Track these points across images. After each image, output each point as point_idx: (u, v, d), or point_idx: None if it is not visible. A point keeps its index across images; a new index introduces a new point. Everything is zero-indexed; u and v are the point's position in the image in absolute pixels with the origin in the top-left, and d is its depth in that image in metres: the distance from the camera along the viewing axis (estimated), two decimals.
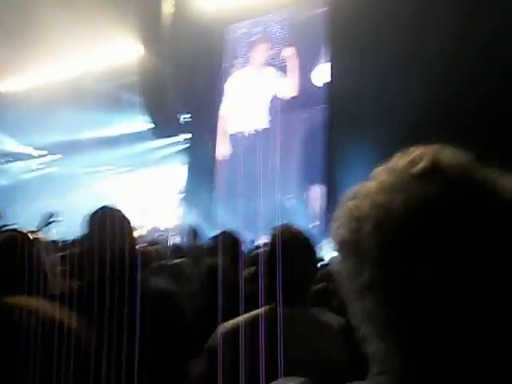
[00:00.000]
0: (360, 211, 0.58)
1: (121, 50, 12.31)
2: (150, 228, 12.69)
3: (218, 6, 10.72)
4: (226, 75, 10.91)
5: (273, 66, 10.14)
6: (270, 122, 9.90)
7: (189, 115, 11.40)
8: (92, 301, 1.50)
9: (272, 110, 9.88)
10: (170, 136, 11.97)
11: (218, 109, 10.81)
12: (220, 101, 10.82)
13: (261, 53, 10.24)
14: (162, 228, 12.76)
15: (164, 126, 11.54)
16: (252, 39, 10.54)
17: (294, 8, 10.06)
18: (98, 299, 1.51)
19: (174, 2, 11.07)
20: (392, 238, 0.54)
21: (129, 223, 1.85)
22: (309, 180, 9.31)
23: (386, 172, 0.60)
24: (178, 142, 11.98)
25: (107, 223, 1.74)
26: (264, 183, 9.46)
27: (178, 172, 11.74)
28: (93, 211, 1.86)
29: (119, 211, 1.86)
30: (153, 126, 11.61)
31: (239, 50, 10.77)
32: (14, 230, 2.13)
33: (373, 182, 0.60)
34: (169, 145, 12.20)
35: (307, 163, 9.33)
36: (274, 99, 9.92)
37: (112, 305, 1.49)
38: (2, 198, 12.97)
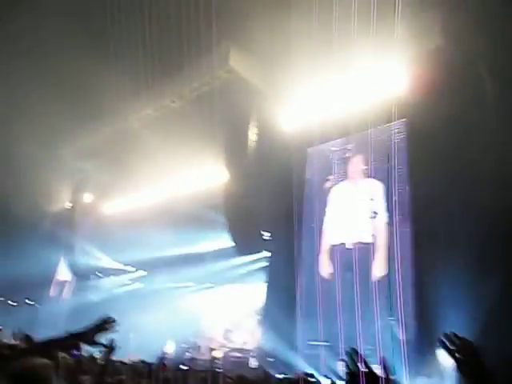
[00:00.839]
0: None
1: (208, 175, 13.22)
2: (229, 348, 12.33)
3: (300, 129, 11.36)
4: (312, 193, 11.16)
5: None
6: (367, 236, 9.71)
7: (269, 234, 11.56)
8: None
9: (371, 224, 9.74)
10: (251, 253, 12.11)
11: (299, 226, 10.87)
12: (301, 218, 10.92)
13: (357, 166, 10.49)
14: (242, 348, 12.34)
15: (245, 244, 11.74)
16: (347, 155, 10.86)
17: (374, 130, 10.35)
18: None
19: (257, 128, 11.94)
20: None
21: None
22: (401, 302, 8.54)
23: None
24: (259, 260, 12.03)
25: None
26: (359, 305, 8.81)
27: (259, 290, 11.60)
28: None
29: None
30: (235, 243, 11.86)
31: (330, 167, 11.10)
32: None
33: None
34: (250, 262, 12.28)
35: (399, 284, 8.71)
36: (372, 212, 9.83)
37: None
38: (93, 313, 13.52)
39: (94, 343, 2.59)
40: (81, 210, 16.93)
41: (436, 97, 8.09)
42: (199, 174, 13.60)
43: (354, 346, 3.46)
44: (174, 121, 12.27)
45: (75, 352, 4.62)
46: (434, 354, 7.13)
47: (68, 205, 17.36)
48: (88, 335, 2.53)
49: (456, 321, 6.67)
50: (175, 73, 11.36)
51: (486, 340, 5.38)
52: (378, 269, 9.23)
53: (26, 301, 14.57)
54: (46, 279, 16.29)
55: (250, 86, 11.77)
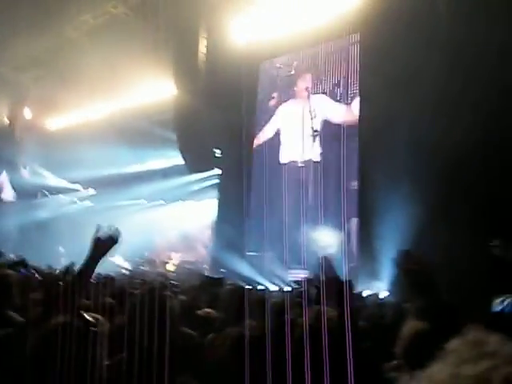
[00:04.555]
0: None
1: (157, 89, 12.69)
2: (180, 260, 12.71)
3: (251, 43, 10.95)
4: (260, 110, 11.03)
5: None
6: (318, 152, 9.75)
7: (219, 151, 11.49)
8: None
9: (319, 140, 9.72)
10: (202, 171, 12.07)
11: (251, 143, 10.86)
12: (253, 135, 10.88)
13: (305, 83, 10.27)
14: (195, 261, 12.75)
15: (196, 162, 11.64)
16: (291, 72, 10.59)
17: (326, 43, 10.14)
18: None
19: (207, 41, 11.40)
20: None
21: None
22: (347, 213, 8.85)
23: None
24: (210, 177, 12.05)
25: None
26: (302, 215, 9.10)
27: (210, 206, 11.78)
28: None
29: None
30: (185, 161, 11.73)
31: (277, 84, 10.88)
32: None
33: None
34: (201, 179, 12.29)
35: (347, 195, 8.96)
36: (314, 130, 9.79)
37: None
38: (42, 231, 13.36)
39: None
40: (21, 125, 16.03)
41: (391, 11, 7.96)
42: (147, 87, 13.04)
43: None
44: (117, 29, 11.44)
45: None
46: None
47: (7, 121, 16.36)
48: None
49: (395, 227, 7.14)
50: None
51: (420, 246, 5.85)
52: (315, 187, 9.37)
53: None
54: None
55: None
